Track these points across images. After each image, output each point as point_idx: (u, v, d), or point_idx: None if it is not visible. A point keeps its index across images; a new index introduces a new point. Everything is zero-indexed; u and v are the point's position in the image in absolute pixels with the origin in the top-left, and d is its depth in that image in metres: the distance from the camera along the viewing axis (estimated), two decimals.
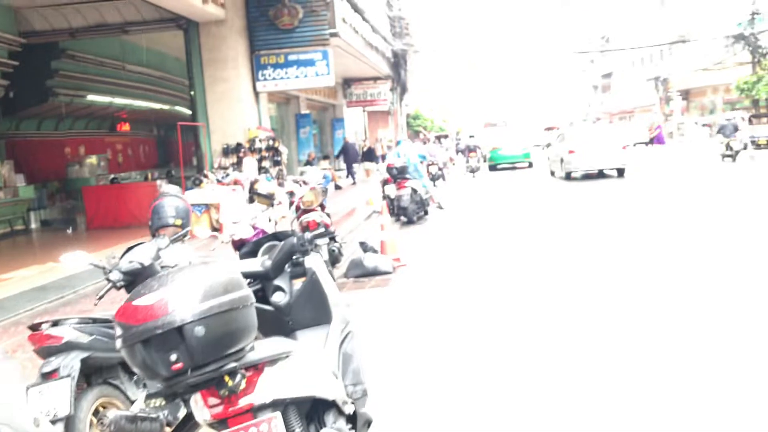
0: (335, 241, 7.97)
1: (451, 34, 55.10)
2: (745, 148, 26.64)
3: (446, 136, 36.40)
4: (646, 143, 39.59)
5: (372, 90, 25.82)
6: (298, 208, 8.11)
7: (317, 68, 15.09)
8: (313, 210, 8.11)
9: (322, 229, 3.07)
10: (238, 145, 14.48)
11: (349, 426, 2.54)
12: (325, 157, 22.08)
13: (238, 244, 6.15)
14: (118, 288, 3.52)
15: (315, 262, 2.95)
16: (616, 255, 7.98)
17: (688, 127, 46.08)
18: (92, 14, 13.99)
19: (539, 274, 7.35)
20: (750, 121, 31.44)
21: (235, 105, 14.54)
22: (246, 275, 2.64)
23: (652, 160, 25.84)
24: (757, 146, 29.08)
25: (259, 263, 2.93)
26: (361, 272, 7.74)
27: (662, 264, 7.25)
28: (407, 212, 12.44)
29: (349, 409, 2.52)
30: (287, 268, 2.92)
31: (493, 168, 27.83)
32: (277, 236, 3.24)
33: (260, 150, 14.51)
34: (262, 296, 2.84)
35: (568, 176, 20.09)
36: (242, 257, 3.21)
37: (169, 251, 3.70)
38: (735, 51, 33.99)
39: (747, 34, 30.20)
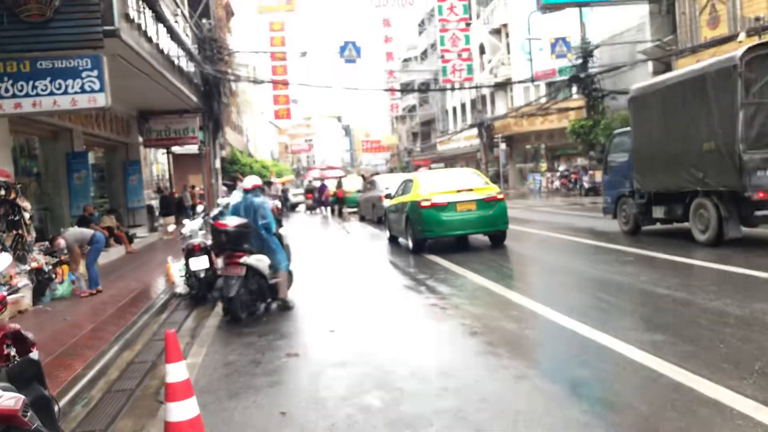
0: None
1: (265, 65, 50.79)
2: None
3: (270, 183, 31.88)
4: None
5: (177, 126, 20.65)
6: None
7: (84, 82, 10.03)
8: None
9: None
10: None
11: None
12: (111, 211, 16.61)
13: None
14: None
15: None
16: None
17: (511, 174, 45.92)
18: None
19: None
20: (586, 170, 30.55)
21: None
22: None
23: None
24: (597, 193, 27.95)
25: None
26: None
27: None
28: (233, 305, 7.76)
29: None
30: None
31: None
32: None
33: None
34: None
35: (379, 220, 20.33)
36: None
37: None
38: (567, 94, 33.25)
39: (582, 76, 29.02)
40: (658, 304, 6.97)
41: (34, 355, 3.66)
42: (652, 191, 12.82)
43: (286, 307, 8.43)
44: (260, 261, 8.22)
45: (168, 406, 3.68)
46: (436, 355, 5.67)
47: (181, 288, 10.02)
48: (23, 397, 3.13)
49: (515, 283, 9.41)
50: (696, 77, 11.44)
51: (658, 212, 12.80)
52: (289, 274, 8.86)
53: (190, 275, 9.47)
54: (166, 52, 13.89)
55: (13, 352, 3.60)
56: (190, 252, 9.47)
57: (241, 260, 7.97)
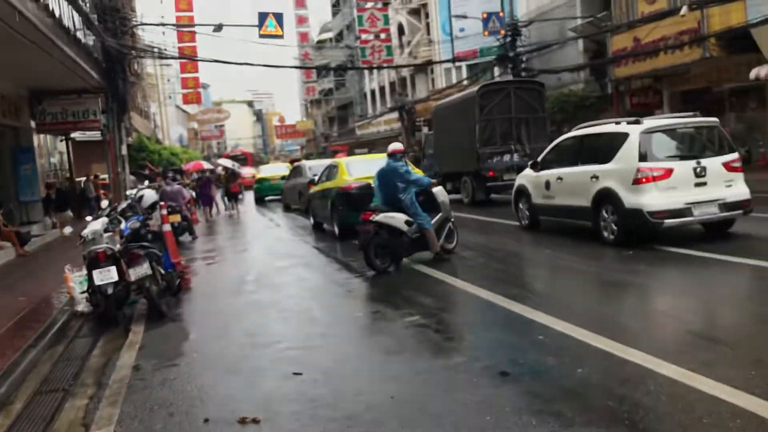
0: None
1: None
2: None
3: (181, 172, 29.39)
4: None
5: (76, 108, 18.13)
6: None
7: None
8: None
9: None
10: None
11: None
12: None
13: None
14: None
15: None
16: None
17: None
18: None
19: None
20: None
21: None
22: None
23: None
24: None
25: None
26: None
27: None
28: (366, 257, 9.11)
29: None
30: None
31: (260, 200, 27.88)
32: None
33: None
34: None
35: (308, 209, 18.55)
36: None
37: None
38: (490, 75, 32.22)
39: (511, 55, 27.97)
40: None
41: None
42: (445, 172, 19.79)
43: (440, 258, 9.32)
44: (390, 218, 8.97)
45: None
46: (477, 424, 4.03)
47: (82, 306, 7.99)
48: None
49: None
50: (459, 102, 19.99)
51: (449, 186, 18.63)
52: (454, 226, 10.01)
53: (93, 290, 7.46)
54: (58, 15, 11.64)
55: None
56: (93, 261, 7.44)
57: (370, 218, 8.89)
